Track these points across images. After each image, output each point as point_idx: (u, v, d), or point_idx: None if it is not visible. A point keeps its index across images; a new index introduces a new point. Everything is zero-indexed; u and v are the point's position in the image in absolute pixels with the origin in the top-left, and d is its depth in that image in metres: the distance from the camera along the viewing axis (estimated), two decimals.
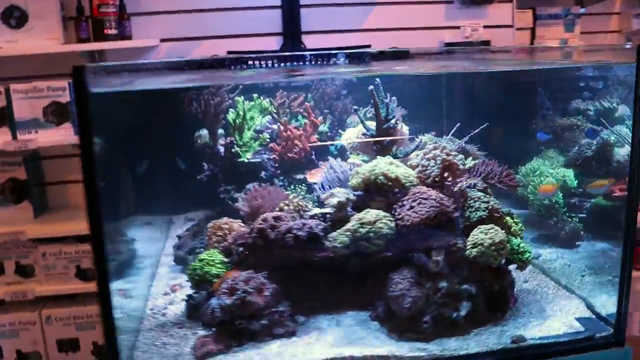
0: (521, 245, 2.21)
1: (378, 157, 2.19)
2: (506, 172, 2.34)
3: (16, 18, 3.05)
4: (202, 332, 2.12)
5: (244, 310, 2.03)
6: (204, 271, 2.18)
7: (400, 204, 2.09)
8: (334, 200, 2.12)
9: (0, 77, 3.14)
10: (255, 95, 2.62)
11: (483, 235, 2.06)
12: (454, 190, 2.15)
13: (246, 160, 2.55)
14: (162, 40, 3.49)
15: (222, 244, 2.26)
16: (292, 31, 3.65)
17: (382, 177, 2.09)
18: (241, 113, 2.49)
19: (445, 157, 2.12)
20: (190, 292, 2.27)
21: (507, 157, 3.01)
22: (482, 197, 2.16)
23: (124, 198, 2.73)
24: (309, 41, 3.68)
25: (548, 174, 2.76)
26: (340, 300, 2.17)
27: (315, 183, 2.51)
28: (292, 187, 2.54)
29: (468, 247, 2.06)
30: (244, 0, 3.55)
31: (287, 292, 2.12)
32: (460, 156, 2.21)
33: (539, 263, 2.63)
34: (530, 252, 2.22)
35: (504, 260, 2.11)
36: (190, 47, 3.53)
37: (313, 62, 2.72)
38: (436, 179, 2.13)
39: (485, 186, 2.24)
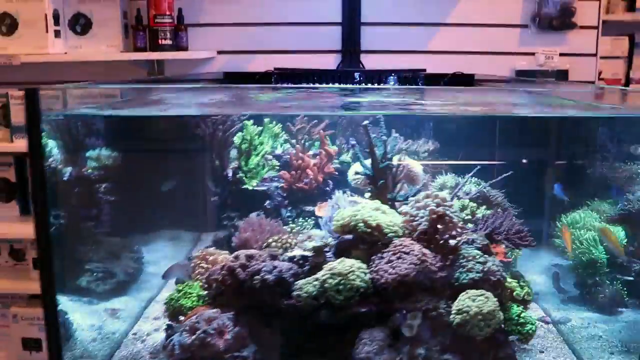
0: (523, 315, 1.94)
1: (363, 200, 2.01)
2: (516, 227, 2.06)
3: (81, 25, 3.18)
4: None
5: (203, 351, 1.93)
6: (178, 303, 2.11)
7: (380, 255, 1.89)
8: (309, 244, 1.97)
9: (66, 81, 3.25)
10: (266, 120, 2.51)
11: (470, 301, 1.81)
12: (447, 245, 1.91)
13: (250, 188, 2.44)
14: (219, 52, 3.50)
15: (204, 276, 2.18)
16: (350, 49, 3.53)
17: (362, 224, 1.91)
18: (247, 138, 2.39)
19: (434, 207, 1.89)
20: None
21: (552, 206, 2.70)
22: (477, 257, 1.90)
23: (145, 214, 2.74)
24: (368, 60, 3.54)
25: (591, 227, 2.42)
26: (310, 353, 2.00)
27: (321, 217, 2.36)
28: (298, 221, 2.40)
29: (452, 313, 1.83)
30: (303, 16, 3.48)
31: (254, 337, 1.99)
32: (461, 205, 1.98)
33: (566, 329, 2.31)
34: (533, 324, 1.94)
35: (491, 332, 1.84)
36: (246, 61, 3.51)
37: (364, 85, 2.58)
38: (424, 231, 1.91)
39: (486, 243, 1.97)
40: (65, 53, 3.20)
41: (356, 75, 3.10)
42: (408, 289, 1.85)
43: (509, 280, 2.02)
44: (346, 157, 2.62)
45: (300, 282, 1.91)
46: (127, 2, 3.28)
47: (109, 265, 2.50)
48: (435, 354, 1.83)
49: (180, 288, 2.13)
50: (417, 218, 1.92)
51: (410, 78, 3.09)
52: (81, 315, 2.35)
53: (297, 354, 2.00)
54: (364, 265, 1.89)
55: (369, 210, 1.93)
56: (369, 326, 1.89)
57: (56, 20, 3.14)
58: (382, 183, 2.06)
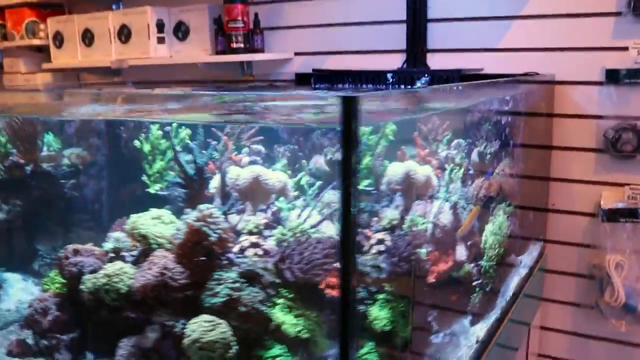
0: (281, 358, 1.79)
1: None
2: (308, 259, 1.88)
3: (182, 32, 3.62)
4: None
5: (34, 325, 2.22)
6: (45, 286, 2.39)
7: (141, 264, 1.95)
8: (107, 245, 2.10)
9: (168, 80, 3.81)
10: (174, 124, 2.59)
11: (195, 326, 1.78)
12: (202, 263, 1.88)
13: (152, 192, 2.59)
14: (296, 54, 3.61)
15: None
16: (415, 49, 3.30)
17: (136, 232, 1.98)
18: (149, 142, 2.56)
19: (191, 221, 1.87)
20: None
21: None
22: (231, 281, 1.82)
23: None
24: (435, 60, 3.26)
25: None
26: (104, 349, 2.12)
27: None
28: None
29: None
30: (369, 15, 3.37)
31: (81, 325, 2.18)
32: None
33: None
34: None
35: None
36: (320, 61, 3.53)
37: None
38: (180, 245, 1.90)
39: (251, 269, 1.86)
40: (171, 57, 3.65)
41: (389, 76, 2.88)
42: (150, 300, 1.88)
43: (280, 316, 1.85)
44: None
45: (87, 276, 2.05)
46: (218, 10, 3.57)
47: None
48: None
49: (48, 273, 2.41)
50: (179, 231, 1.92)
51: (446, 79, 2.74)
52: (19, 291, 2.77)
53: (97, 347, 2.15)
54: (132, 271, 1.96)
55: (147, 219, 1.99)
56: (137, 331, 1.96)
57: (160, 29, 3.60)
58: (188, 192, 2.08)
